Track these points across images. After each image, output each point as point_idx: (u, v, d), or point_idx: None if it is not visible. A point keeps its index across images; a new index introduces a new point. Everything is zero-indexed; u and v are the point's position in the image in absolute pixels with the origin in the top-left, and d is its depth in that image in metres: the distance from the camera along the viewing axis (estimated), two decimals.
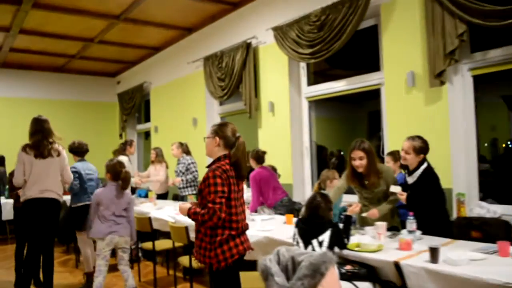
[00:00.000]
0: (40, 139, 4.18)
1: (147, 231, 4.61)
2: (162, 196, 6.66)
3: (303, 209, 3.12)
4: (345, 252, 2.79)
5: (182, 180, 6.17)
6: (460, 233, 3.32)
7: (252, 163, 4.97)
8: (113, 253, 4.05)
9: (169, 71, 8.41)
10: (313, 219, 2.83)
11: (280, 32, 5.54)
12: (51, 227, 4.26)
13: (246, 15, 6.39)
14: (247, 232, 2.80)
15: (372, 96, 6.14)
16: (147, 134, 10.48)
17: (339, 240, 2.76)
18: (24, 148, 4.17)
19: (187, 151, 6.37)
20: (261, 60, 6.13)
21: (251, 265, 3.92)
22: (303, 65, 5.77)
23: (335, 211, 4.17)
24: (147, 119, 10.26)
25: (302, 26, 5.24)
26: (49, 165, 4.17)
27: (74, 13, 6.48)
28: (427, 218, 3.20)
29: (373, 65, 5.00)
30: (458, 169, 4.02)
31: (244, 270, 2.86)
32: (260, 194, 4.88)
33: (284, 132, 5.75)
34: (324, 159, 7.12)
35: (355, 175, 3.48)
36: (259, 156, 4.99)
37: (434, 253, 2.41)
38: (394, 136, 4.47)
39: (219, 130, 2.73)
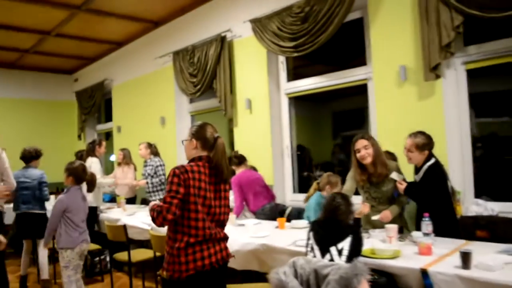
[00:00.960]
0: None
1: (122, 240, 4.13)
2: (130, 201, 6.23)
3: (320, 212, 2.81)
4: (360, 259, 2.52)
5: (147, 183, 5.75)
6: (465, 232, 3.15)
7: (233, 166, 4.66)
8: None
9: (133, 68, 7.91)
10: (332, 223, 2.55)
11: (259, 25, 5.24)
12: None
13: (219, 7, 6.04)
14: (237, 239, 2.52)
15: (337, 96, 5.95)
16: (108, 135, 9.89)
17: (359, 247, 2.49)
18: None
19: (155, 152, 5.96)
20: (236, 55, 5.80)
21: (248, 276, 3.64)
22: (282, 59, 5.50)
23: None
24: (108, 118, 9.68)
25: (284, 18, 4.97)
26: None
27: (32, 1, 5.90)
28: (434, 217, 3.00)
29: (358, 59, 4.81)
30: (453, 166, 3.87)
31: (238, 281, 2.56)
32: (242, 199, 4.58)
33: (263, 131, 5.45)
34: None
35: (362, 169, 3.26)
36: (238, 157, 4.69)
37: (466, 258, 2.18)
38: (385, 133, 4.28)
39: (196, 132, 2.54)
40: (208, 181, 2.45)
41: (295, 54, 4.90)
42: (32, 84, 9.54)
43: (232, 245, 3.22)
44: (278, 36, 5.02)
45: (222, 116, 5.93)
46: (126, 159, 6.46)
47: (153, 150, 5.95)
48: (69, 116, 9.95)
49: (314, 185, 4.29)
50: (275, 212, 4.72)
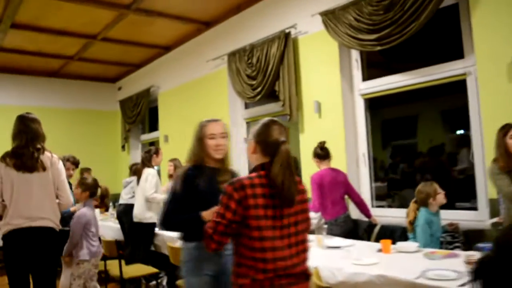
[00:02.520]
0: (22, 145, 3.06)
1: None
2: None
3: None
4: None
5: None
6: None
7: (315, 162, 4.08)
8: None
9: (181, 73, 7.44)
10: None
11: (332, 17, 4.64)
12: (49, 267, 3.14)
13: (281, 1, 5.48)
14: (339, 267, 1.92)
15: (388, 103, 5.25)
16: (151, 145, 9.45)
17: None
18: (3, 157, 3.07)
19: None
20: (302, 53, 5.21)
21: None
22: (356, 56, 4.87)
23: (436, 233, 3.25)
24: (152, 128, 9.27)
25: (361, 8, 4.35)
26: (39, 182, 3.07)
27: (78, 1, 5.50)
28: None
29: (447, 53, 4.15)
30: None
31: None
32: (321, 202, 3.96)
33: (335, 137, 4.81)
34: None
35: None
36: (323, 149, 4.10)
37: None
38: (494, 134, 3.57)
39: (258, 132, 1.97)
40: (271, 194, 1.85)
41: (378, 48, 4.26)
42: (75, 93, 9.22)
43: (335, 274, 2.58)
44: (356, 28, 4.40)
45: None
46: (178, 170, 5.93)
47: None
48: (112, 126, 9.60)
49: (412, 206, 3.61)
50: (349, 225, 4.10)
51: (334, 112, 4.85)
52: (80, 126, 9.10)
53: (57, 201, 3.18)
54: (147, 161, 5.10)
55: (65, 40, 6.89)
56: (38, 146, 3.12)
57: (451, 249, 3.28)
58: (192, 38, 7.01)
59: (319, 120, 5.01)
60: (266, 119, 2.00)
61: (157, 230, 4.82)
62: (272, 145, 1.89)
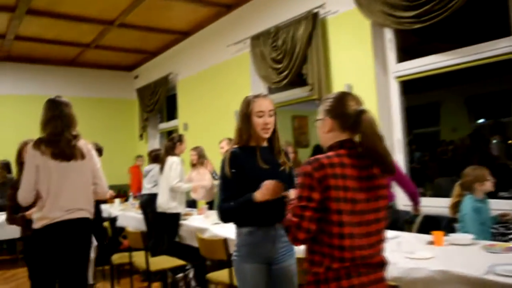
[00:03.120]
0: (59, 131, 2.82)
1: (221, 258, 3.19)
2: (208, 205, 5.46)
3: None
4: None
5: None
6: None
7: None
8: None
9: (201, 59, 7.21)
10: None
11: None
12: (82, 260, 2.91)
13: None
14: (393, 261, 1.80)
15: (408, 90, 4.97)
16: (169, 134, 9.28)
17: None
18: (37, 145, 2.81)
19: None
20: (331, 34, 4.93)
21: None
22: (390, 36, 4.59)
23: (487, 222, 3.00)
24: (170, 116, 9.09)
25: None
26: (77, 170, 2.84)
27: None
28: None
29: (491, 31, 3.85)
30: None
31: None
32: None
33: None
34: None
35: None
36: None
37: None
38: None
39: (331, 107, 1.74)
40: (356, 176, 1.65)
41: (417, 25, 3.96)
42: (92, 82, 9.07)
43: (389, 269, 2.34)
44: (392, 5, 4.11)
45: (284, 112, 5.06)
46: (202, 158, 5.74)
47: None
48: (129, 115, 9.44)
49: (457, 189, 3.36)
50: (394, 215, 3.84)
51: (366, 95, 4.53)
52: (97, 116, 8.94)
53: (94, 189, 2.97)
54: (170, 149, 4.88)
55: (81, 26, 6.70)
56: (74, 132, 2.90)
57: (506, 241, 3.03)
58: (212, 22, 6.76)
59: None
60: (335, 93, 1.80)
61: (182, 221, 4.62)
62: (352, 117, 1.69)
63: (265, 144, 2.33)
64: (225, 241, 3.02)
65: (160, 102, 8.20)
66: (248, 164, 2.21)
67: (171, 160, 4.74)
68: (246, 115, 2.28)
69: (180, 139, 4.96)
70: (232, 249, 3.39)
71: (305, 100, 5.37)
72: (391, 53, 4.59)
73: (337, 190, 1.59)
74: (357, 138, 1.71)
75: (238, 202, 2.15)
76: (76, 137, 2.90)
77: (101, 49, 7.88)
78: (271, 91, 6.09)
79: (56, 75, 8.62)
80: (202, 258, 3.69)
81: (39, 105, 3.01)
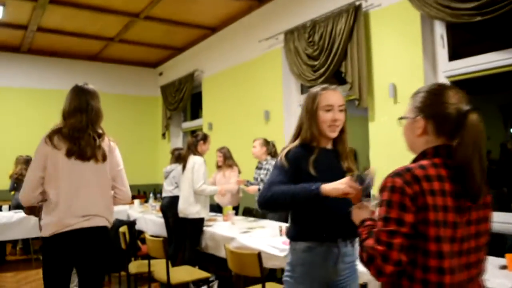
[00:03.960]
0: (82, 126, 2.43)
1: (255, 275, 2.71)
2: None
3: None
4: None
5: (259, 190, 4.57)
6: None
7: None
8: None
9: (228, 55, 6.85)
10: None
11: None
12: (99, 271, 2.55)
13: None
14: None
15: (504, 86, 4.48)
16: (193, 134, 8.96)
17: None
18: (50, 137, 2.42)
19: (274, 153, 4.78)
20: (374, 28, 4.51)
21: None
22: (441, 32, 4.14)
23: None
24: (194, 115, 8.77)
25: None
26: (94, 172, 2.45)
27: None
28: None
29: None
30: None
31: None
32: None
33: None
34: None
35: None
36: None
37: None
38: None
39: (425, 102, 1.36)
40: (454, 192, 1.25)
41: (478, 18, 3.51)
42: (115, 78, 8.81)
43: None
44: None
45: None
46: (228, 160, 5.36)
47: (271, 150, 4.79)
48: (152, 113, 9.15)
49: None
50: None
51: None
52: (119, 113, 8.66)
53: (114, 194, 2.58)
54: (193, 147, 4.50)
55: (106, 18, 6.42)
56: (99, 130, 2.51)
57: None
58: (242, 17, 6.40)
59: (394, 106, 4.31)
60: (430, 84, 1.40)
61: (206, 228, 4.24)
62: (453, 118, 1.29)
63: (328, 146, 1.95)
64: (259, 256, 2.62)
65: (184, 100, 7.87)
66: (307, 167, 1.84)
67: (193, 160, 4.36)
68: (311, 110, 1.91)
69: (205, 137, 4.58)
70: (268, 263, 3.02)
71: (346, 99, 4.96)
72: (442, 51, 4.14)
73: (436, 211, 1.20)
74: (454, 144, 1.30)
75: (295, 187, 1.75)
76: (101, 136, 2.50)
77: (126, 43, 7.61)
78: (303, 90, 5.70)
79: (78, 69, 8.38)
80: (228, 269, 3.31)
81: (60, 100, 2.67)
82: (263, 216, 4.64)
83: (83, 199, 2.42)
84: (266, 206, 1.85)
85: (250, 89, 6.33)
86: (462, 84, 4.08)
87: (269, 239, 3.41)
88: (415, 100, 1.39)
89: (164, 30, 7.00)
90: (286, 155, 1.88)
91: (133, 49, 8.01)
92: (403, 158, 3.76)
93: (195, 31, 7.14)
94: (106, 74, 8.66)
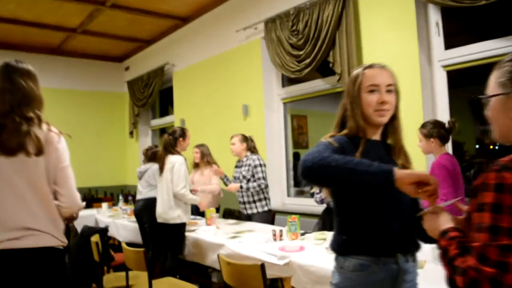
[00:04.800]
0: (5, 110, 1.87)
1: None
2: None
3: None
4: None
5: (241, 188, 4.22)
6: None
7: (429, 145, 3.12)
8: None
9: (202, 47, 6.44)
10: None
11: None
12: None
13: None
14: None
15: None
16: (162, 132, 8.50)
17: None
18: None
19: (253, 148, 4.44)
20: (364, 16, 4.24)
21: None
22: (436, 19, 3.91)
23: None
24: (163, 112, 8.31)
25: None
26: (25, 171, 1.84)
27: None
28: None
29: None
30: None
31: None
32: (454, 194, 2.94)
33: (411, 119, 3.86)
34: None
35: None
36: (443, 134, 3.13)
37: None
38: None
39: None
40: None
41: (482, 2, 3.30)
42: (77, 73, 8.19)
43: None
44: None
45: None
46: (207, 157, 4.97)
47: (250, 145, 4.44)
48: (118, 110, 8.61)
49: None
50: None
51: (409, 87, 3.90)
52: (83, 110, 8.11)
53: (57, 202, 1.93)
54: (171, 146, 4.06)
55: (68, 6, 5.87)
56: (30, 114, 1.88)
57: None
58: (217, 6, 6.00)
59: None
60: None
61: (188, 233, 3.85)
62: None
63: (376, 137, 1.61)
64: (262, 268, 2.26)
65: (154, 96, 7.40)
66: None
67: (173, 160, 3.94)
68: (352, 94, 1.58)
69: (183, 133, 4.15)
70: (271, 274, 2.66)
71: (331, 92, 4.67)
72: (437, 39, 3.91)
73: None
74: None
75: (361, 160, 1.35)
76: (30, 119, 1.87)
77: (89, 35, 7.05)
78: (285, 83, 5.39)
79: (37, 64, 7.54)
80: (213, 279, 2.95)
81: None
82: (249, 218, 4.28)
83: (10, 208, 1.81)
84: (315, 172, 1.34)
85: (226, 83, 5.96)
86: (459, 74, 3.88)
87: (263, 245, 3.07)
88: (504, 72, 1.07)
89: (132, 20, 6.52)
90: (331, 137, 1.54)
91: (97, 42, 7.46)
92: None
93: (165, 21, 6.68)
94: (69, 69, 8.04)
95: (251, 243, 3.14)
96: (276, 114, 5.41)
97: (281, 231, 3.19)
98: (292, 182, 5.45)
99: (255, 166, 4.22)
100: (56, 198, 1.93)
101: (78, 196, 2.00)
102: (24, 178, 1.83)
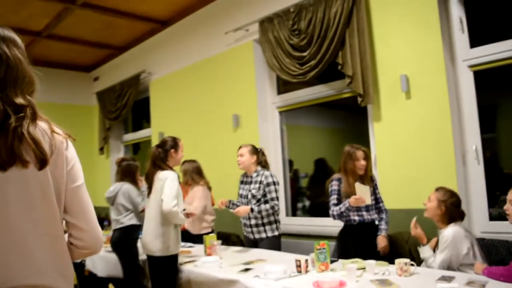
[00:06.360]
0: None
1: None
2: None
3: None
4: None
5: (252, 211, 3.58)
6: None
7: None
8: None
9: (184, 53, 5.86)
10: None
11: None
12: None
13: None
14: None
15: None
16: (136, 148, 7.79)
17: None
18: None
19: (264, 162, 3.85)
20: (378, 11, 3.80)
21: None
22: (459, 14, 3.51)
23: None
24: (136, 126, 7.62)
25: None
26: (25, 192, 1.14)
27: None
28: None
29: None
30: None
31: None
32: None
33: (435, 125, 3.43)
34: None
35: None
36: None
37: None
38: None
39: None
40: None
41: None
42: (41, 83, 7.35)
43: None
44: None
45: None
46: (193, 175, 4.36)
47: (261, 159, 3.84)
48: (87, 124, 7.84)
49: None
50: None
51: (432, 89, 3.46)
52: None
53: (69, 239, 1.28)
54: (160, 161, 3.35)
55: (33, 5, 5.16)
56: (20, 100, 1.20)
57: None
58: (203, 6, 5.44)
59: (406, 102, 3.60)
60: None
61: (186, 266, 3.19)
62: None
63: None
64: None
65: (127, 107, 6.71)
66: None
67: (163, 176, 3.24)
68: None
69: (175, 144, 3.42)
70: None
71: (337, 97, 4.19)
72: (461, 36, 3.50)
73: None
74: None
75: None
76: (21, 109, 1.18)
77: (55, 40, 6.32)
78: (280, 90, 4.88)
79: None
80: None
81: None
82: (254, 244, 3.66)
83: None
84: None
85: (213, 91, 5.38)
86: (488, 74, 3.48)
87: (288, 280, 2.49)
88: None
89: (105, 23, 5.86)
90: None
91: (63, 48, 6.73)
92: (417, 163, 3.06)
93: (141, 25, 6.06)
94: None
95: (270, 277, 2.55)
96: (271, 125, 4.87)
97: (306, 261, 2.62)
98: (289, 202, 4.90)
99: (268, 184, 3.61)
100: (69, 235, 1.28)
101: (100, 230, 1.34)
102: (20, 204, 1.14)
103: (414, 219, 2.84)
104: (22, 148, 1.13)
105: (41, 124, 1.22)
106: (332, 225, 4.16)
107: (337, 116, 6.87)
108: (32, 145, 1.15)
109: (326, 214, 3.41)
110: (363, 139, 4.00)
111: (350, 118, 6.64)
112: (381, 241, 3.17)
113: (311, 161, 6.04)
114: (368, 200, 3.06)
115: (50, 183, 1.19)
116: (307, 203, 5.52)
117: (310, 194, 5.75)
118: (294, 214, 4.90)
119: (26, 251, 1.14)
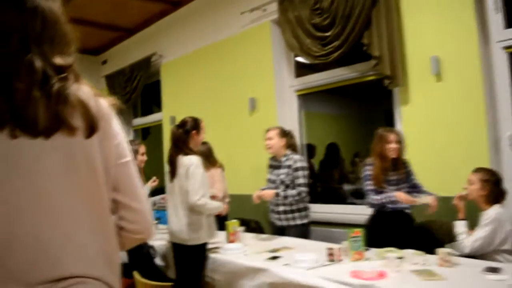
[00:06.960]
0: (13, 52, 0.93)
1: None
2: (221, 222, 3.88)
3: None
4: None
5: (278, 195, 3.44)
6: None
7: None
8: None
9: (197, 35, 5.67)
10: None
11: None
12: None
13: None
14: None
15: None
16: (145, 133, 7.66)
17: None
18: None
19: (294, 146, 3.72)
20: None
21: None
22: None
23: None
24: (146, 110, 7.47)
25: None
26: (68, 164, 0.97)
27: None
28: None
29: None
30: None
31: None
32: None
33: (468, 109, 3.28)
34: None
35: None
36: None
37: None
38: None
39: None
40: None
41: None
42: None
43: None
44: None
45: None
46: (210, 158, 4.24)
47: (291, 142, 3.71)
48: None
49: None
50: None
51: (464, 72, 3.30)
52: None
53: (118, 222, 1.10)
54: (182, 143, 3.18)
55: None
56: (58, 60, 0.98)
57: None
58: None
59: (436, 85, 3.44)
60: None
61: (215, 255, 3.06)
62: None
63: None
64: None
65: (138, 90, 6.56)
66: None
67: (187, 162, 3.08)
68: None
69: (196, 124, 3.24)
70: None
71: (365, 79, 4.03)
72: (496, 16, 3.33)
73: None
74: None
75: None
76: (61, 69, 0.99)
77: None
78: (301, 73, 4.72)
79: None
80: None
81: None
82: (281, 231, 3.53)
83: (41, 237, 0.94)
84: None
85: (228, 74, 5.23)
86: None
87: (320, 269, 2.37)
88: None
89: (113, 4, 5.68)
90: None
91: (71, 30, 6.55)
92: (447, 149, 2.91)
93: (152, 6, 5.88)
94: None
95: (301, 265, 2.44)
96: (289, 109, 4.72)
97: (339, 249, 2.50)
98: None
99: (296, 169, 3.47)
100: (120, 217, 1.11)
101: (149, 211, 1.16)
102: (64, 178, 0.97)
103: (462, 192, 2.76)
104: (67, 112, 0.97)
105: (84, 88, 1.05)
106: (350, 213, 4.05)
107: (349, 103, 6.73)
108: (79, 109, 0.99)
109: (339, 200, 3.31)
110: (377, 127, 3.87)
111: (363, 106, 6.49)
112: (433, 200, 3.00)
113: (322, 148, 5.92)
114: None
115: (98, 155, 1.02)
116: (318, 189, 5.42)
117: (320, 179, 5.64)
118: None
119: (71, 235, 0.97)
